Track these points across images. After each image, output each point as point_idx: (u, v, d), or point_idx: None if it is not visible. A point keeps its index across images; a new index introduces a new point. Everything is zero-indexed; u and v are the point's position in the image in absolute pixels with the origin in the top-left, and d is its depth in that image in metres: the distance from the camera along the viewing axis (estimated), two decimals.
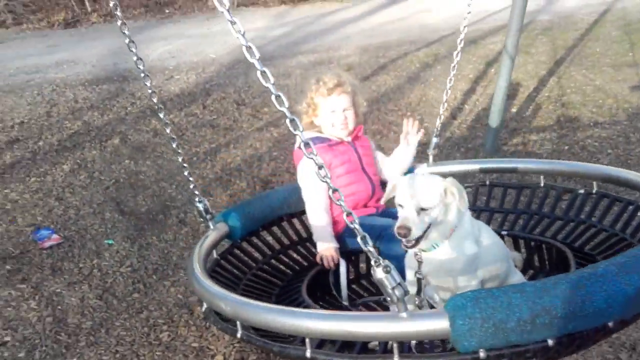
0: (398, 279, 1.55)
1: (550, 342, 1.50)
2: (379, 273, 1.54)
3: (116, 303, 3.40)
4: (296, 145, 2.80)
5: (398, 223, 1.92)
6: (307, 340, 1.65)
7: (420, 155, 3.14)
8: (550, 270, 2.55)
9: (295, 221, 2.96)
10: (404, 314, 1.51)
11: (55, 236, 4.01)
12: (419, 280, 2.01)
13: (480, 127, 5.67)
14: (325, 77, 2.73)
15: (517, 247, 2.76)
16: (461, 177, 3.13)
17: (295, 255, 2.89)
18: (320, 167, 1.63)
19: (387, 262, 1.56)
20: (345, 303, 2.53)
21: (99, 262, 3.78)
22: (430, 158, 3.15)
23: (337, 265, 2.59)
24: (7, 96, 6.75)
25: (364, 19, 11.02)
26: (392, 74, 7.49)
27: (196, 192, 2.53)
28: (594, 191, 2.77)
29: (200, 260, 2.24)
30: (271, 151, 5.34)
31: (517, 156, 5.07)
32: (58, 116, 6.16)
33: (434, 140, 3.14)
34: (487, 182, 3.11)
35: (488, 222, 2.90)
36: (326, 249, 2.62)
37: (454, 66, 3.15)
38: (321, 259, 2.61)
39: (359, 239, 1.57)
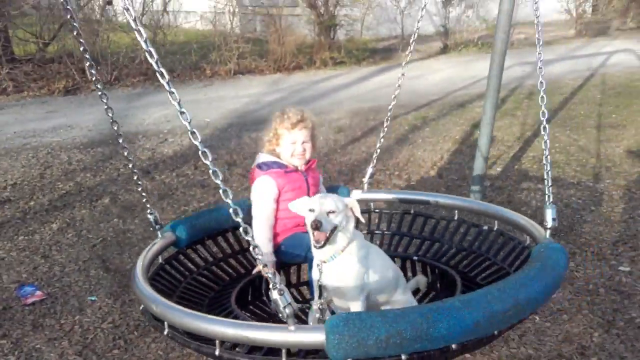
0: (289, 299, 1.94)
1: (403, 356, 1.89)
2: (274, 294, 1.94)
3: (95, 359, 3.37)
4: (254, 164, 3.21)
5: (312, 219, 2.40)
6: (217, 341, 2.02)
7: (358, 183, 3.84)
8: (444, 294, 2.97)
9: (239, 232, 3.21)
10: (292, 328, 1.90)
11: (38, 292, 4.00)
12: (320, 287, 2.50)
13: (465, 186, 5.74)
14: (290, 112, 3.10)
15: (425, 272, 3.26)
16: (391, 205, 3.88)
17: (234, 264, 3.29)
18: None
19: (282, 286, 1.95)
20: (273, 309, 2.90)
21: (80, 318, 3.75)
22: (365, 186, 3.66)
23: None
24: (3, 159, 6.88)
25: (356, 85, 11.36)
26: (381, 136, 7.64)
27: (148, 205, 2.85)
28: (494, 228, 3.20)
29: (144, 265, 2.60)
30: None
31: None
32: (51, 177, 6.26)
33: (370, 170, 3.67)
34: (412, 211, 3.59)
35: (407, 246, 3.55)
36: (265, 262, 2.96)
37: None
38: (259, 270, 2.97)
39: (260, 266, 2.06)
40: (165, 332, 2.21)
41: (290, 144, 3.07)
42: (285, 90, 10.98)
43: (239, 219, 1.94)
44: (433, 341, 1.87)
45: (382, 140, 3.70)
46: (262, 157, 3.16)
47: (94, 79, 2.61)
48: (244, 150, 7.07)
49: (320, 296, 2.50)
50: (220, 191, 1.95)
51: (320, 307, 2.44)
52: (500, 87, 4.99)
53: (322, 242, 2.40)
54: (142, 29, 1.91)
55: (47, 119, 8.98)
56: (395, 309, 2.08)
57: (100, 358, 3.37)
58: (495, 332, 2.08)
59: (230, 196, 1.96)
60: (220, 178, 1.96)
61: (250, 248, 2.00)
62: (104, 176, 6.27)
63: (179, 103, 1.97)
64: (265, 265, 1.97)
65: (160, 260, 2.90)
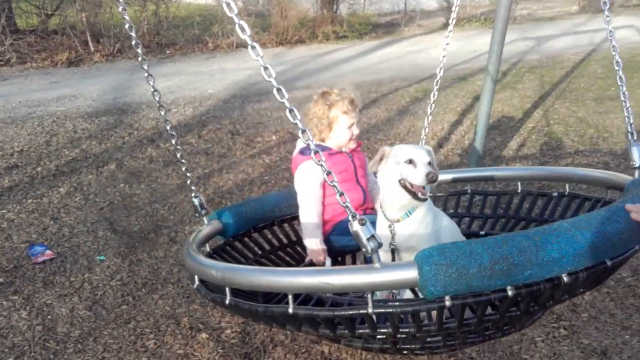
0: (372, 231, 1.67)
1: (510, 292, 1.63)
2: (355, 225, 1.66)
3: (105, 314, 3.49)
4: (295, 152, 2.99)
5: (426, 170, 2.17)
6: (290, 296, 1.78)
7: None
8: None
9: (285, 225, 3.15)
10: (377, 265, 1.63)
11: (48, 252, 4.13)
12: (392, 251, 2.27)
13: (466, 155, 5.84)
14: (336, 93, 2.87)
15: None
16: (444, 186, 3.57)
17: (283, 256, 3.08)
18: (328, 174, 1.74)
19: (362, 216, 1.68)
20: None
21: (89, 276, 3.88)
22: None
23: (324, 264, 2.78)
24: (8, 127, 6.96)
25: (358, 59, 11.36)
26: (382, 107, 7.73)
27: (192, 188, 2.67)
28: (566, 193, 2.94)
29: (194, 245, 2.41)
30: (262, 176, 5.50)
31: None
32: (57, 145, 6.35)
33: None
34: (469, 190, 3.33)
35: (468, 228, 3.19)
36: (315, 250, 2.82)
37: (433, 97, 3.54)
38: (310, 259, 2.83)
39: (337, 196, 1.71)
40: (227, 301, 2.01)
41: (347, 128, 2.82)
42: (288, 63, 11.00)
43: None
44: (544, 266, 1.63)
45: (432, 106, 3.59)
46: (303, 142, 2.92)
47: (138, 50, 2.51)
48: (247, 121, 7.15)
49: (393, 260, 2.30)
50: (299, 132, 1.80)
51: None
52: (501, 58, 5.05)
53: (427, 195, 2.25)
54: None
55: (51, 89, 9.03)
56: (494, 235, 1.81)
57: (110, 313, 3.50)
58: (609, 263, 1.80)
59: (312, 138, 1.82)
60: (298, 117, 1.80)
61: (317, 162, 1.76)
62: (109, 144, 6.36)
63: (262, 58, 1.79)
64: (342, 195, 1.71)
65: (207, 248, 2.73)
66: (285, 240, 3.13)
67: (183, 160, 2.65)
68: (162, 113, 2.49)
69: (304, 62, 11.19)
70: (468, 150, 5.93)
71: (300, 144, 2.92)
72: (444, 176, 3.32)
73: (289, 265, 3.01)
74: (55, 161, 5.86)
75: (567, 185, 2.97)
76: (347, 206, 1.68)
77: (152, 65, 11.12)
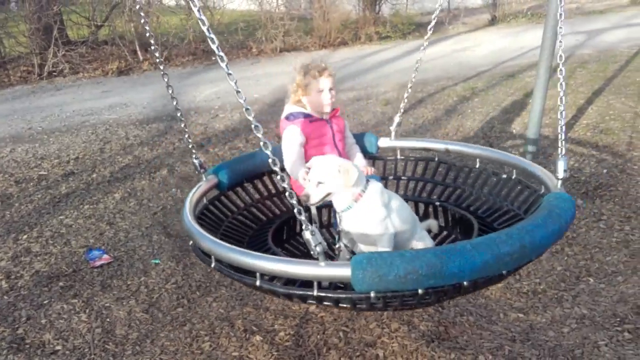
0: (320, 239, 2.13)
1: (420, 291, 2.09)
2: (307, 234, 2.12)
3: (161, 316, 3.55)
4: (282, 116, 3.39)
5: (303, 192, 2.62)
6: (257, 274, 2.26)
7: (385, 130, 4.00)
8: (463, 237, 3.21)
9: (274, 176, 3.57)
10: (322, 264, 2.13)
11: (105, 256, 4.23)
12: (338, 232, 2.79)
13: (518, 154, 5.69)
14: (313, 62, 3.33)
15: (446, 217, 3.45)
16: (416, 152, 4.10)
17: (270, 205, 3.57)
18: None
19: (313, 227, 2.13)
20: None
21: (145, 279, 3.96)
22: (392, 134, 3.77)
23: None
24: (64, 135, 7.19)
25: (403, 59, 11.27)
26: (429, 107, 7.63)
27: (193, 151, 3.15)
28: (512, 177, 3.30)
29: (192, 205, 2.85)
30: None
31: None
32: (110, 152, 6.52)
33: (397, 119, 3.78)
34: (436, 159, 3.73)
35: (430, 192, 3.69)
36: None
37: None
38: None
39: (295, 210, 2.13)
40: (212, 265, 2.47)
41: (317, 92, 3.24)
42: (331, 66, 11.00)
43: (276, 168, 2.11)
44: (446, 278, 2.06)
45: (409, 90, 3.79)
46: (289, 109, 3.37)
47: (157, 60, 2.93)
48: None
49: (339, 239, 2.80)
50: (261, 144, 2.13)
51: (338, 248, 2.79)
52: (554, 53, 4.91)
53: (314, 204, 2.68)
54: (205, 19, 2.10)
55: (102, 98, 9.30)
56: (412, 250, 2.24)
57: (166, 315, 3.56)
58: (504, 272, 2.23)
59: (270, 148, 2.12)
60: (261, 132, 2.12)
61: (286, 194, 2.15)
62: (160, 150, 6.49)
63: (235, 83, 2.13)
64: (300, 213, 2.12)
65: (205, 200, 3.16)
66: (273, 190, 3.58)
67: (186, 130, 3.17)
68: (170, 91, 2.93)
69: (348, 64, 11.18)
70: (520, 148, 5.79)
71: (286, 110, 3.35)
72: (416, 144, 3.81)
73: (274, 214, 3.52)
74: (109, 167, 6.01)
75: (514, 170, 3.28)
76: (301, 218, 2.11)
77: (199, 71, 11.39)
